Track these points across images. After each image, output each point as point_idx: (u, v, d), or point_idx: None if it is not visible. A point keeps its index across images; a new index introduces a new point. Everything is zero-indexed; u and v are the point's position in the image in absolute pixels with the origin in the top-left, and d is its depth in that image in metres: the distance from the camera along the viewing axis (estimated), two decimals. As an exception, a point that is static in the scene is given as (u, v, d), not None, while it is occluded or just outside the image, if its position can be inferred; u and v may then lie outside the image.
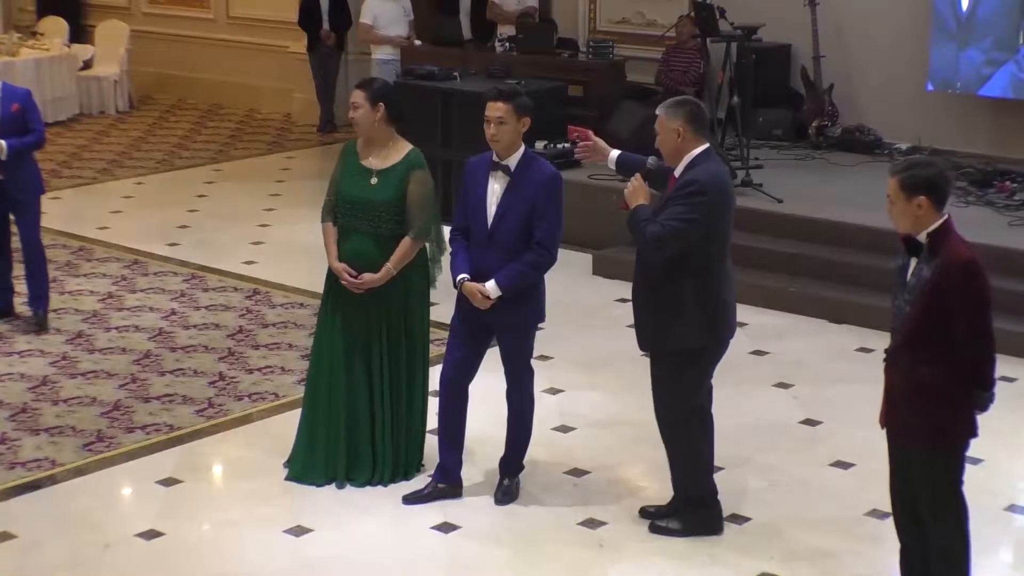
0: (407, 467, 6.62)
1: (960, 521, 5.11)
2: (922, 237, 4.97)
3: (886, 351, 5.16)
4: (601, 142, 6.44)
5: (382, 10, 13.29)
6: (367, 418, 6.53)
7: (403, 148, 6.46)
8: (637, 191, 5.86)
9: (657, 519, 6.14)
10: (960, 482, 5.10)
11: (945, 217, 4.97)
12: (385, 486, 6.53)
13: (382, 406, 6.52)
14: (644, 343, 6.05)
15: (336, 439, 6.54)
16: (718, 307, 5.86)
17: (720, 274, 5.89)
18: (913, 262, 5.02)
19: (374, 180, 6.40)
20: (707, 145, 5.85)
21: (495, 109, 6.14)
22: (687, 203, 5.69)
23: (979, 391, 5.08)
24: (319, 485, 6.52)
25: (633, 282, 6.01)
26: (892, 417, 5.13)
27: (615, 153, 6.37)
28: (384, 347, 6.47)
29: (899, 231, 5.04)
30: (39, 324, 8.68)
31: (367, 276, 6.37)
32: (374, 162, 6.44)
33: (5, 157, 8.45)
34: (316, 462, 6.57)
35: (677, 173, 5.85)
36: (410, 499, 6.40)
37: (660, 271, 5.80)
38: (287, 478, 6.62)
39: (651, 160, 6.12)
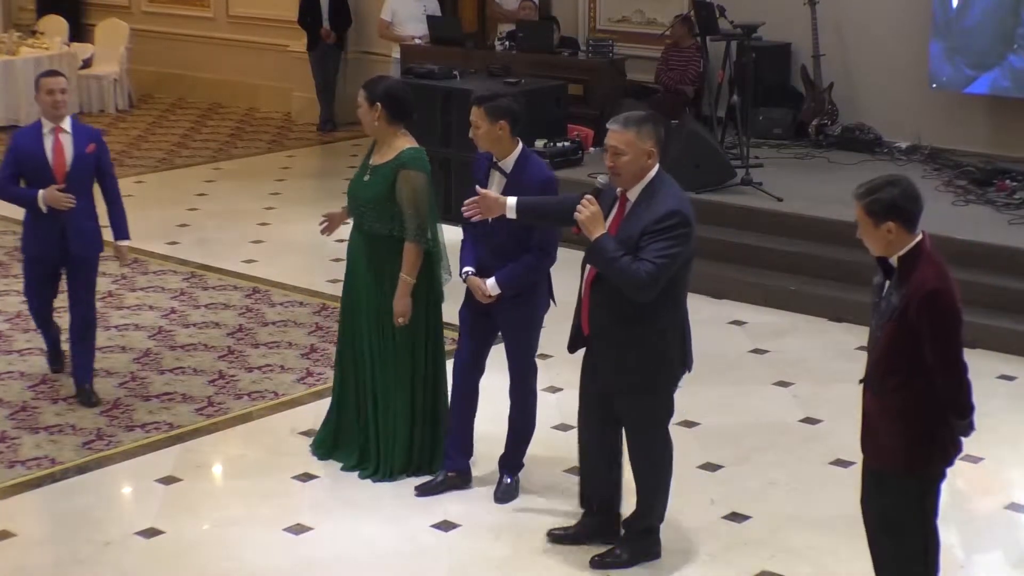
0: (387, 465, 6.60)
1: (927, 552, 4.96)
2: (893, 261, 4.77)
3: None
4: (492, 193, 5.91)
5: (400, 6, 13.25)
6: (355, 409, 6.63)
7: (399, 147, 6.39)
8: (596, 217, 5.38)
9: (602, 555, 5.83)
10: (934, 512, 4.95)
11: (918, 238, 4.75)
12: (375, 480, 6.57)
13: (367, 400, 6.59)
14: (627, 384, 5.58)
15: (329, 422, 6.78)
16: (686, 331, 5.67)
17: (686, 300, 5.69)
18: (887, 284, 4.83)
19: (367, 177, 6.43)
20: (658, 165, 5.50)
21: (471, 114, 6.20)
22: (672, 236, 5.33)
23: (956, 419, 4.85)
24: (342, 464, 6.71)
25: (594, 319, 5.57)
26: (867, 441, 4.97)
27: (512, 200, 5.84)
28: (373, 343, 6.51)
29: (872, 254, 4.84)
30: (85, 399, 7.48)
31: (395, 308, 6.35)
32: (374, 159, 6.46)
33: (73, 204, 7.21)
34: (330, 440, 6.78)
35: (632, 196, 5.47)
36: (423, 490, 6.44)
37: (638, 304, 5.41)
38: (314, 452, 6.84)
39: (602, 179, 5.60)
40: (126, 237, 7.55)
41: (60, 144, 7.25)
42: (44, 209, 7.22)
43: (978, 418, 4.91)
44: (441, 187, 11.02)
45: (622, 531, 5.94)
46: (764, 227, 9.71)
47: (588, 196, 5.46)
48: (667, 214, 5.35)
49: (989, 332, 8.36)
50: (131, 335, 8.60)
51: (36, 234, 7.37)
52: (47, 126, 7.27)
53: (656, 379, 5.59)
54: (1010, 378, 7.96)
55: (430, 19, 13.05)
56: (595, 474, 5.92)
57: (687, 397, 7.64)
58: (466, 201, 5.93)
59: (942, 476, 4.94)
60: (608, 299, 5.48)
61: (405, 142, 6.42)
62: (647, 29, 12.99)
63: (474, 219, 5.95)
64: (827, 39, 11.62)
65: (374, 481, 6.55)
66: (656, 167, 5.47)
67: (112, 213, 7.49)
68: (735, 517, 6.26)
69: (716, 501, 6.41)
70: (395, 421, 6.54)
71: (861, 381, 5.02)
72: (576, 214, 5.42)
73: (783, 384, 7.89)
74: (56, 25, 16.50)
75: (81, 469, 6.74)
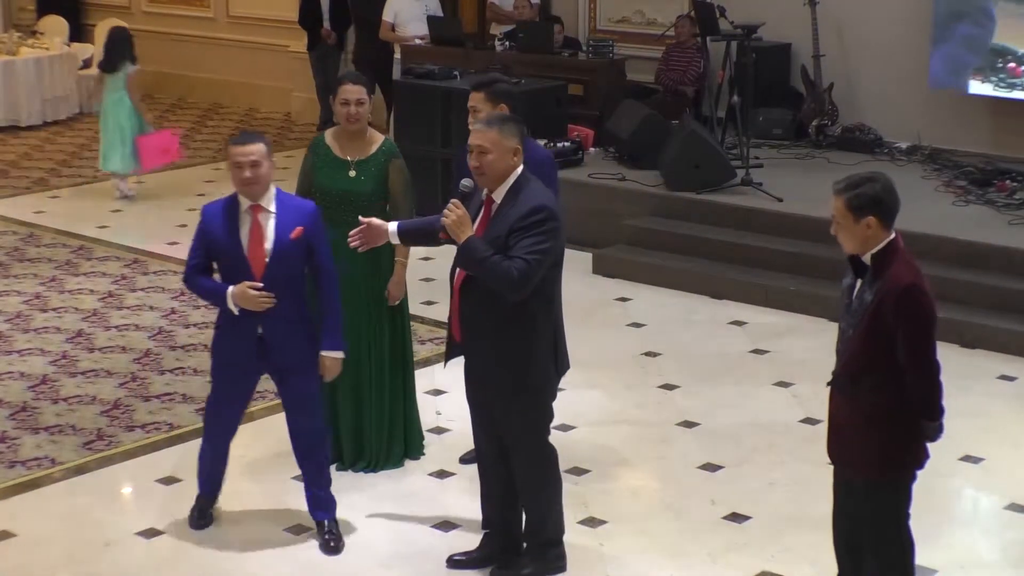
0: (403, 453, 6.75)
1: (904, 557, 4.95)
2: (867, 258, 4.77)
3: (832, 374, 5.00)
4: (376, 221, 5.76)
5: (401, 7, 13.26)
6: (357, 403, 6.65)
7: (377, 138, 6.55)
8: (463, 220, 5.28)
9: (503, 569, 5.71)
10: (907, 515, 4.93)
11: (892, 236, 4.76)
12: (375, 471, 6.64)
13: (370, 391, 6.62)
14: (495, 385, 5.47)
15: (334, 422, 6.70)
16: (559, 334, 5.52)
17: (559, 300, 5.58)
18: (859, 283, 4.83)
19: (352, 172, 6.45)
20: (522, 164, 5.42)
21: (471, 99, 6.25)
22: (540, 232, 5.24)
23: (926, 422, 4.84)
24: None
25: (465, 324, 5.47)
26: (836, 443, 4.96)
27: (393, 225, 5.79)
28: (372, 333, 6.56)
29: (846, 251, 4.84)
30: (329, 541, 5.97)
31: (393, 291, 6.50)
32: (350, 153, 6.49)
33: (271, 304, 5.73)
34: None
35: (498, 198, 5.38)
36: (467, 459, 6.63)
37: (509, 304, 5.30)
38: None
39: (466, 183, 5.52)
40: (337, 348, 5.89)
41: (258, 228, 5.79)
42: (235, 311, 5.78)
43: (979, 418, 4.95)
44: (439, 187, 11.03)
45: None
46: (764, 227, 9.71)
47: (454, 200, 5.38)
48: (533, 209, 5.28)
49: (989, 332, 8.36)
50: (131, 335, 8.60)
51: (228, 336, 5.90)
52: (244, 203, 5.85)
53: (526, 380, 5.43)
54: (1010, 378, 7.96)
55: (430, 19, 13.05)
56: (490, 493, 5.78)
57: (687, 397, 7.68)
58: (351, 232, 5.75)
59: (913, 479, 4.94)
60: (479, 301, 5.39)
61: (378, 133, 6.59)
62: (647, 29, 12.99)
63: (360, 250, 5.82)
64: (827, 39, 11.62)
65: (366, 472, 6.62)
66: (520, 167, 5.40)
67: (324, 314, 5.89)
68: (735, 517, 6.26)
69: (716, 501, 6.41)
70: (391, 409, 6.66)
71: (829, 384, 4.99)
72: (443, 219, 5.33)
73: (783, 384, 7.88)
74: (56, 25, 16.51)
75: (81, 469, 6.74)
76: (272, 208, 5.81)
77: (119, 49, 11.96)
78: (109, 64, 11.92)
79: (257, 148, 5.82)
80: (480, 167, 5.36)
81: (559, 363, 5.55)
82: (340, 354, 5.89)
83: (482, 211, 5.45)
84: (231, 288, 5.72)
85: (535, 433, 5.57)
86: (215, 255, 5.84)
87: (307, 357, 5.85)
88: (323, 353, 5.86)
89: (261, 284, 5.69)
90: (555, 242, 5.31)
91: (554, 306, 5.51)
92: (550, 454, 5.65)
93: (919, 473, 4.97)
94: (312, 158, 6.60)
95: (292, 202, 5.90)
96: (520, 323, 5.36)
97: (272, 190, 5.85)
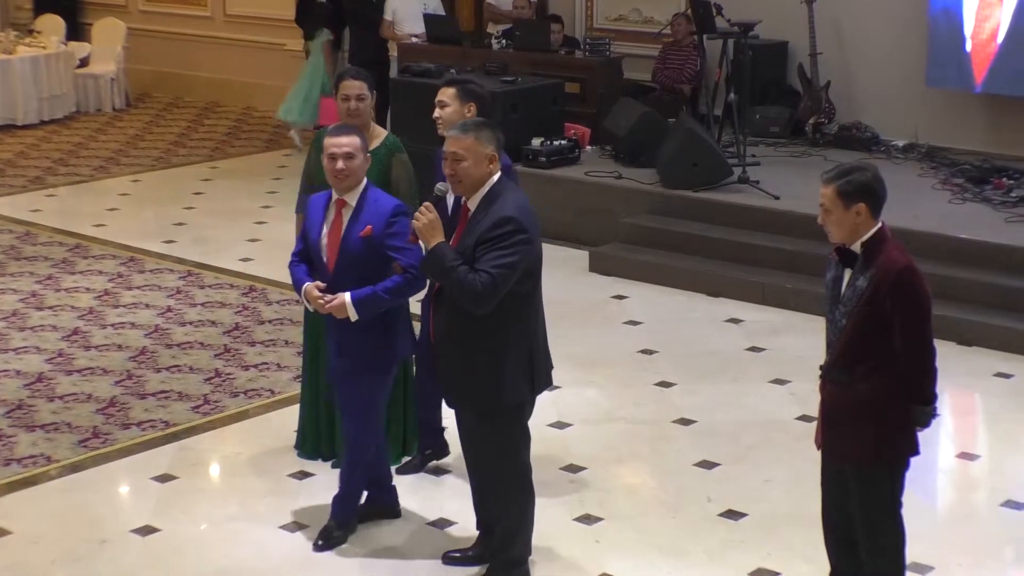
0: (401, 450, 6.74)
1: (897, 546, 4.95)
2: (856, 247, 4.78)
3: (821, 367, 4.99)
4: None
5: (399, 4, 13.26)
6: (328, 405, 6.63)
7: (380, 133, 6.55)
8: (434, 225, 5.15)
9: None
10: (899, 504, 4.94)
11: (879, 225, 4.79)
12: None
13: None
14: (467, 401, 5.39)
15: (332, 417, 6.63)
16: (536, 351, 5.38)
17: (537, 313, 5.42)
18: (847, 274, 4.83)
19: None
20: (499, 171, 5.29)
21: (441, 94, 6.36)
22: (507, 245, 5.09)
23: (919, 406, 4.84)
24: (326, 460, 6.67)
25: (438, 334, 5.36)
26: (828, 434, 4.96)
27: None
28: None
29: (833, 241, 4.85)
30: (323, 539, 5.94)
31: None
32: None
33: (355, 317, 5.61)
34: (322, 439, 6.72)
35: (472, 206, 5.25)
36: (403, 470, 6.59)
37: (479, 317, 5.17)
38: (300, 456, 6.77)
39: (441, 186, 5.40)
40: (354, 300, 5.59)
41: (339, 221, 5.68)
42: (309, 307, 5.81)
43: (976, 415, 4.96)
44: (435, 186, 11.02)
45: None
46: (761, 225, 9.71)
47: (427, 203, 5.25)
48: (499, 221, 5.12)
49: (986, 330, 8.36)
50: (127, 333, 8.59)
51: (306, 323, 6.15)
52: (334, 195, 5.73)
53: (493, 399, 5.31)
54: (1007, 376, 7.96)
55: (427, 18, 13.03)
56: (480, 495, 5.72)
57: (684, 395, 7.67)
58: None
59: (907, 467, 4.94)
60: (452, 310, 5.26)
61: (380, 128, 6.60)
62: (644, 28, 12.99)
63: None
64: (824, 37, 11.61)
65: None
66: (497, 174, 5.27)
67: (383, 280, 5.66)
68: (732, 515, 6.26)
69: (713, 499, 6.40)
70: (389, 406, 6.57)
71: (821, 376, 5.00)
72: (414, 222, 5.23)
73: (780, 382, 7.88)
74: (53, 24, 16.50)
75: (77, 467, 6.73)
76: (353, 203, 5.68)
77: (313, 19, 13.91)
78: (308, 32, 13.93)
79: (351, 140, 5.66)
80: (455, 174, 5.24)
81: (535, 381, 5.40)
82: (349, 304, 5.58)
83: (460, 220, 5.36)
84: (306, 284, 5.69)
85: (510, 453, 5.43)
86: (307, 242, 5.81)
87: (365, 365, 5.72)
88: (344, 293, 5.61)
89: (324, 285, 5.64)
90: (523, 256, 5.14)
91: (530, 322, 5.33)
92: (524, 473, 5.52)
93: (916, 469, 4.97)
94: (315, 154, 6.58)
95: (376, 200, 5.70)
96: (490, 337, 5.23)
97: (362, 185, 5.70)
